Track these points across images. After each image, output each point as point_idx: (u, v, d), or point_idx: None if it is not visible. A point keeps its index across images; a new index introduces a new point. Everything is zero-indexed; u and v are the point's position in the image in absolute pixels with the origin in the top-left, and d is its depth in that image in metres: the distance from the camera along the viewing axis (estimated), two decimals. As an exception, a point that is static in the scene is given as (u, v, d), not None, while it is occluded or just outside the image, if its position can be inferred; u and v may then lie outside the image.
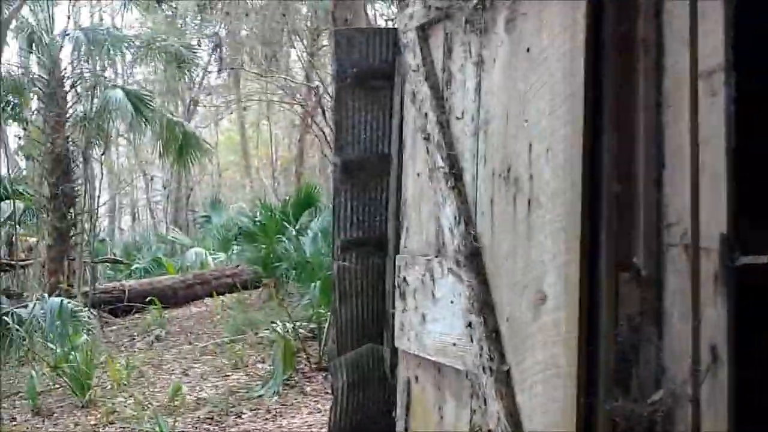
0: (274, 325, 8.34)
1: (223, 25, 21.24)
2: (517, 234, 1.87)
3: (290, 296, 12.27)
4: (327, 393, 6.37)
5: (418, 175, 2.32)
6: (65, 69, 11.26)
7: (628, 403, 1.74)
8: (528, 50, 1.88)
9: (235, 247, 12.29)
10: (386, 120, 3.85)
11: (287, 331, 6.96)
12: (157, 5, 12.29)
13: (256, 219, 11.31)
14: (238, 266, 13.97)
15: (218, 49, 13.50)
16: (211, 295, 13.23)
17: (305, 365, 7.02)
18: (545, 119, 1.80)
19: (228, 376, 7.23)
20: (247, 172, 25.23)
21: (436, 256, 2.20)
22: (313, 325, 8.02)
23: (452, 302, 2.08)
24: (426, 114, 2.26)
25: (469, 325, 1.98)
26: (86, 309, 9.86)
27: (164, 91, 17.75)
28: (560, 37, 1.75)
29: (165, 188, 18.92)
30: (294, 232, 11.10)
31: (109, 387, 6.91)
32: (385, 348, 4.34)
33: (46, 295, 7.28)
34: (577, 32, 1.70)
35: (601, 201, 1.70)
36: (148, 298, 11.13)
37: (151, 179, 26.01)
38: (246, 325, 9.44)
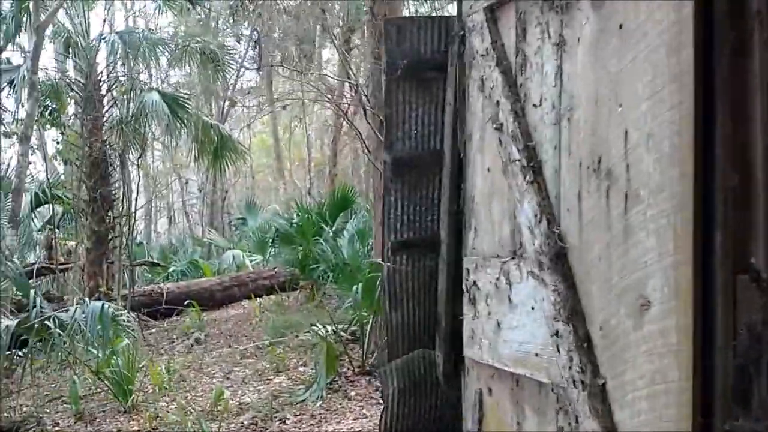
0: (314, 327, 8.21)
1: (256, 26, 21.31)
2: (611, 232, 1.68)
3: (328, 298, 12.17)
4: (372, 398, 6.21)
5: (488, 170, 2.13)
6: (102, 72, 11.25)
7: (749, 422, 1.53)
8: (621, 26, 1.68)
9: (272, 249, 12.20)
10: (438, 114, 3.66)
11: (329, 334, 6.78)
12: (191, 7, 12.20)
13: (293, 221, 11.20)
14: (274, 268, 13.90)
15: (257, 47, 13.39)
16: (248, 298, 13.18)
17: (348, 369, 6.86)
18: (644, 103, 1.60)
19: (270, 380, 7.10)
20: (281, 175, 25.22)
21: (512, 258, 2.01)
22: (354, 328, 7.86)
23: (533, 308, 1.89)
24: (498, 102, 2.08)
25: (556, 333, 1.79)
26: (126, 312, 9.88)
27: (198, 94, 17.76)
28: (662, 8, 1.55)
29: (200, 191, 18.94)
30: (331, 234, 10.97)
31: (151, 391, 6.83)
32: (437, 353, 4.16)
33: (87, 299, 7.22)
34: (684, 1, 1.50)
35: (714, 194, 1.50)
36: (187, 301, 11.05)
37: (186, 182, 26.15)
38: (285, 327, 9.32)
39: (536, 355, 1.87)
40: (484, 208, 2.16)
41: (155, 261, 15.80)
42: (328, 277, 11.81)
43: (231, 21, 20.56)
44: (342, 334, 7.71)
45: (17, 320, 5.78)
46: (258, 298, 12.64)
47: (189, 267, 15.80)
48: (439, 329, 4.04)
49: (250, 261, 15.14)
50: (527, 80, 2.01)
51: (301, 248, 11.19)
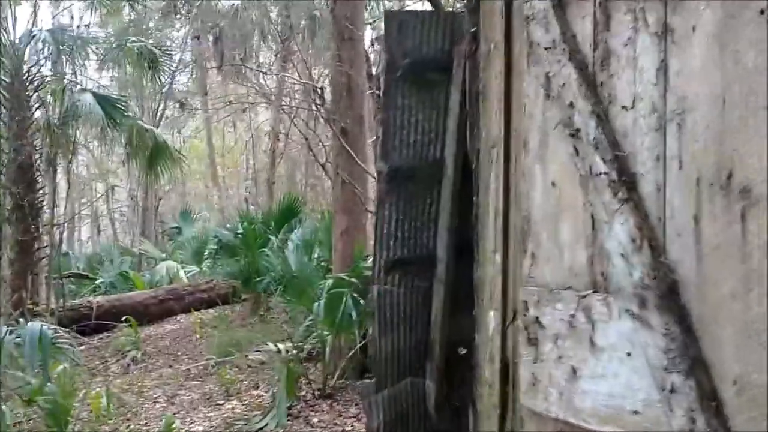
0: (265, 346, 7.72)
1: (190, 28, 20.56)
2: (749, 264, 1.35)
3: (272, 312, 11.65)
4: (336, 424, 5.79)
5: (553, 184, 1.79)
6: (29, 71, 10.45)
7: None
8: (762, 12, 1.36)
9: (210, 260, 11.59)
10: (440, 120, 3.31)
11: (287, 354, 6.32)
12: (126, 4, 11.52)
13: (237, 231, 10.64)
14: (212, 280, 13.28)
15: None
16: (185, 312, 12.52)
17: (307, 392, 6.41)
18: (801, 105, 1.29)
19: (220, 405, 6.57)
20: (215, 181, 24.42)
21: (594, 291, 1.67)
22: (308, 346, 7.42)
23: (629, 354, 1.55)
24: (571, 104, 1.74)
25: (669, 388, 1.45)
26: (62, 331, 9.14)
27: (131, 96, 16.92)
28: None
29: (132, 198, 18.05)
30: (278, 244, 10.48)
31: (88, 419, 6.21)
32: (428, 383, 3.80)
33: (14, 316, 6.52)
34: None
35: None
36: (124, 317, 10.35)
37: (112, 189, 25.02)
38: (231, 345, 8.76)
39: (635, 412, 1.53)
40: (547, 229, 1.82)
41: (83, 273, 14.91)
42: (275, 290, 11.30)
43: (164, 22, 19.83)
44: (294, 351, 7.27)
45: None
46: (195, 312, 12.01)
47: (118, 279, 14.96)
48: (432, 357, 3.68)
49: (186, 273, 14.42)
50: (612, 78, 1.67)
51: (246, 259, 10.64)
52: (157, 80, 12.12)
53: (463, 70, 3.09)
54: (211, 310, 12.68)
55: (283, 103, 17.80)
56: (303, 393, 6.39)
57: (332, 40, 6.73)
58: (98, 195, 22.83)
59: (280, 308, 11.71)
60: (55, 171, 9.30)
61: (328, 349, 6.37)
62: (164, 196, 19.66)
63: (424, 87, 3.31)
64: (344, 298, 6.01)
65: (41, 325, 5.02)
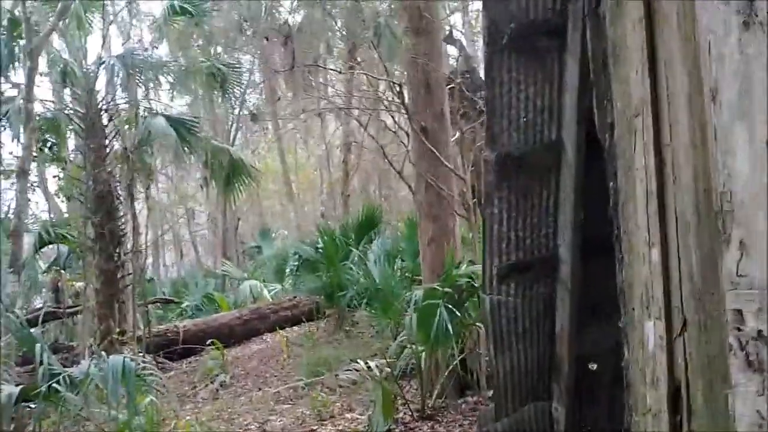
0: (355, 365, 7.33)
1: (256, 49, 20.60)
2: None
3: (357, 327, 11.29)
4: (439, 449, 5.32)
5: None
6: (102, 100, 10.45)
7: None
8: None
9: (294, 277, 11.32)
10: (554, 95, 2.81)
11: (381, 373, 5.89)
12: (195, 26, 11.44)
13: (318, 246, 10.33)
14: (295, 297, 13.04)
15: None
16: (270, 331, 12.31)
17: (405, 413, 5.96)
18: None
19: (314, 430, 6.20)
20: (290, 199, 24.37)
21: None
22: (400, 362, 6.99)
23: None
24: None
25: None
26: (146, 359, 9.02)
27: (203, 118, 16.97)
28: None
29: (212, 220, 18.09)
30: (360, 257, 10.10)
31: (179, 452, 5.96)
32: (555, 406, 3.28)
33: (99, 348, 6.35)
34: None
35: None
36: (209, 341, 10.18)
37: (192, 213, 25.33)
38: (320, 364, 8.42)
39: None
40: (763, 211, 1.31)
41: (168, 297, 14.94)
42: (359, 303, 10.94)
43: (230, 45, 19.90)
44: (387, 369, 6.84)
45: (21, 386, 4.90)
46: (281, 331, 11.77)
47: (203, 301, 14.93)
48: (559, 376, 3.15)
49: (269, 291, 14.25)
50: None
51: (329, 274, 10.31)
52: (229, 97, 11.99)
53: (581, 32, 2.58)
54: (295, 328, 12.43)
55: (359, 106, 17.55)
56: (401, 415, 5.94)
57: (406, 35, 6.30)
58: (179, 220, 23.10)
59: (365, 322, 11.35)
60: (133, 198, 9.19)
61: (423, 365, 5.90)
62: (242, 216, 19.65)
63: (533, 57, 2.81)
64: (438, 310, 5.53)
65: (124, 358, 4.74)
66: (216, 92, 11.68)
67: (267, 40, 14.42)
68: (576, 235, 2.88)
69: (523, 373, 3.20)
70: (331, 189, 21.45)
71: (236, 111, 17.24)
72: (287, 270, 14.49)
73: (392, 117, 8.10)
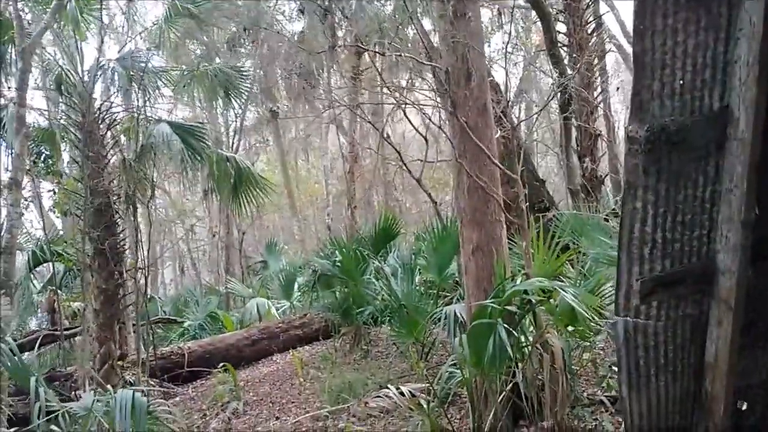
0: (386, 390, 6.60)
1: (257, 57, 20.00)
2: None
3: (376, 346, 10.55)
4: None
5: None
6: (101, 107, 9.75)
7: None
8: None
9: (309, 293, 10.59)
10: (720, 47, 2.12)
11: (427, 403, 5.15)
12: (197, 29, 10.77)
13: (336, 259, 9.61)
14: (305, 315, 12.31)
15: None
16: (280, 351, 11.58)
17: (454, 448, 5.23)
18: None
19: (349, 468, 5.47)
20: (293, 212, 23.67)
21: None
22: (436, 387, 6.27)
23: None
24: None
25: None
26: (155, 383, 8.31)
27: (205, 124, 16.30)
28: None
29: (214, 235, 17.37)
30: (380, 271, 9.40)
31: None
32: (699, 454, 2.53)
33: (109, 385, 5.63)
34: None
35: None
36: (221, 363, 9.45)
37: (191, 228, 24.58)
38: (342, 389, 7.68)
39: None
40: None
41: (170, 317, 14.20)
42: (379, 321, 10.23)
43: (230, 53, 19.27)
44: (424, 396, 6.11)
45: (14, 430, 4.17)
46: (292, 351, 11.04)
47: (207, 321, 14.19)
48: (708, 417, 2.44)
49: (277, 309, 13.51)
50: None
51: (346, 289, 9.60)
52: (233, 104, 11.31)
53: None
54: (307, 348, 11.70)
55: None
56: (448, 449, 5.22)
57: (441, 20, 5.62)
58: (179, 235, 22.35)
59: (384, 341, 10.63)
60: (135, 210, 8.48)
61: (474, 392, 5.17)
62: (246, 230, 18.93)
63: (694, 1, 2.11)
64: (494, 331, 4.82)
65: (134, 392, 4.02)
66: (220, 98, 10.98)
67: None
68: (745, 236, 2.16)
69: (663, 414, 2.48)
70: (337, 200, 20.79)
71: (238, 119, 16.52)
72: (296, 286, 13.78)
73: (424, 114, 7.38)
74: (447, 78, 5.14)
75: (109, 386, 5.02)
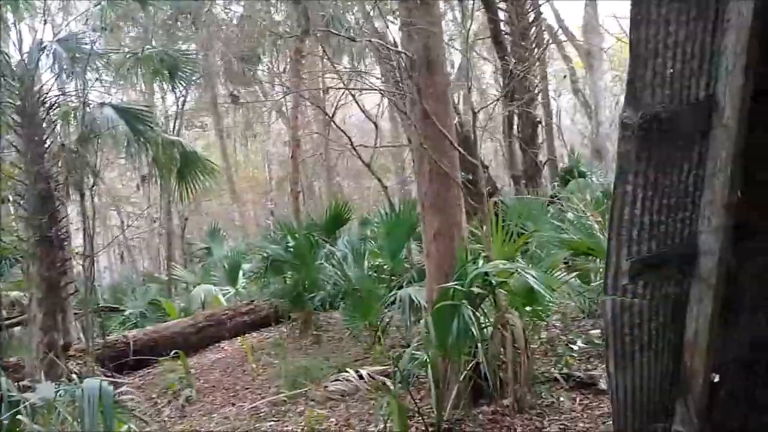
0: (345, 374, 6.65)
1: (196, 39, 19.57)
2: None
3: (326, 331, 10.60)
4: (467, 469, 4.72)
5: None
6: (41, 90, 9.43)
7: None
8: None
9: (261, 279, 10.52)
10: (707, 37, 2.24)
11: (394, 385, 5.23)
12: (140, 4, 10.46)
13: (288, 244, 9.59)
14: (252, 301, 12.27)
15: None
16: (227, 338, 11.50)
17: (418, 428, 5.33)
18: None
19: (316, 452, 5.52)
20: (234, 199, 23.37)
21: None
22: (386, 368, 6.37)
23: None
24: None
25: None
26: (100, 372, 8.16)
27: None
28: None
29: (154, 221, 17.01)
30: (333, 256, 9.43)
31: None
32: (677, 430, 2.72)
33: (75, 375, 5.49)
34: None
35: None
36: (173, 351, 9.34)
37: (130, 215, 24.02)
38: (298, 374, 7.71)
39: None
40: None
41: (113, 305, 13.89)
42: (330, 306, 10.26)
43: (167, 37, 18.82)
44: (383, 378, 6.20)
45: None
46: (240, 338, 10.98)
47: (149, 309, 13.94)
48: (690, 393, 2.59)
49: (222, 296, 13.37)
50: None
51: (299, 275, 9.61)
52: (178, 88, 11.08)
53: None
54: (255, 334, 11.67)
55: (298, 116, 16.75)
56: (413, 429, 5.31)
57: (401, 6, 5.67)
58: (115, 222, 21.81)
59: (334, 326, 10.68)
60: (83, 197, 8.24)
61: (438, 374, 5.28)
62: (189, 216, 18.60)
63: (686, -8, 2.22)
64: (458, 312, 4.94)
65: (100, 382, 3.96)
66: (165, 82, 10.75)
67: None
68: (727, 218, 2.31)
69: (646, 392, 2.63)
70: (278, 187, 20.65)
71: (180, 103, 16.20)
72: (241, 272, 13.66)
73: (390, 99, 7.40)
74: (412, 64, 5.20)
75: (74, 375, 4.90)
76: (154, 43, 18.37)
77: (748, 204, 2.35)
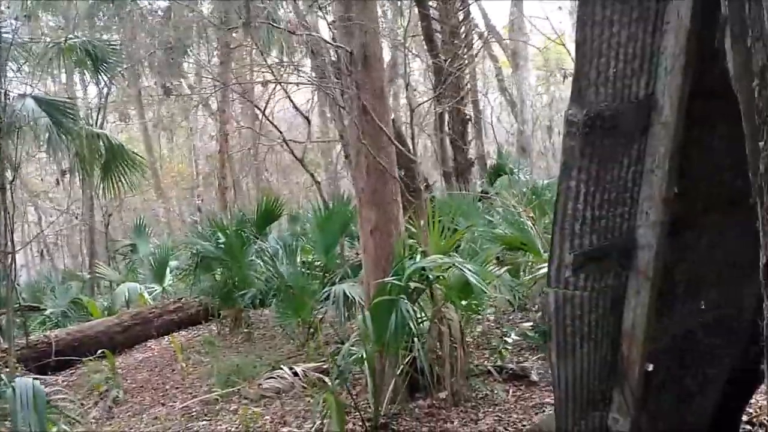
0: (279, 371, 6.60)
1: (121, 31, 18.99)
2: None
3: (256, 329, 10.47)
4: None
5: None
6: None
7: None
8: None
9: (192, 276, 10.29)
10: (648, 38, 2.33)
11: (331, 382, 5.22)
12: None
13: (219, 240, 9.43)
14: (180, 299, 12.02)
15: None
16: (155, 337, 11.23)
17: (355, 424, 5.34)
18: None
19: (253, 451, 5.45)
20: (159, 194, 22.80)
21: None
22: (322, 365, 6.38)
23: None
24: None
25: None
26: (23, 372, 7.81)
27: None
28: None
29: (76, 217, 16.42)
30: (265, 252, 9.33)
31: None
32: (614, 417, 2.83)
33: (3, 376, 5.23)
34: None
35: None
36: (90, 351, 9.05)
37: (47, 212, 23.10)
38: (230, 372, 7.60)
39: None
40: None
41: (34, 304, 13.34)
42: (261, 303, 10.16)
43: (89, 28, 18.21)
44: (318, 375, 6.19)
45: None
46: (168, 337, 10.74)
47: (71, 307, 13.45)
48: (626, 381, 2.70)
49: (149, 294, 13.03)
50: None
51: (230, 272, 9.46)
52: (102, 81, 10.71)
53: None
54: (184, 332, 11.44)
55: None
56: (349, 425, 5.32)
57: (337, 1, 5.66)
58: (39, 218, 20.95)
59: (266, 323, 10.56)
60: (4, 192, 7.86)
61: (375, 369, 5.30)
62: (112, 212, 18.00)
63: (630, -7, 2.30)
64: (396, 307, 4.97)
65: (33, 380, 3.81)
66: (89, 73, 10.38)
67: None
68: (665, 213, 2.41)
69: (586, 381, 2.71)
70: (206, 181, 20.24)
71: (103, 95, 15.67)
72: (168, 269, 13.35)
73: (328, 93, 7.34)
74: (351, 60, 5.19)
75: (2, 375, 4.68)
76: (76, 33, 17.80)
77: (684, 199, 2.44)
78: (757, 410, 4.13)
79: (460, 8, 15.05)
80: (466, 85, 15.42)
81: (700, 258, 2.60)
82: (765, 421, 4.24)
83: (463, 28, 15.13)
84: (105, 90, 14.69)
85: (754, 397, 3.78)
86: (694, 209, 2.50)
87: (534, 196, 9.26)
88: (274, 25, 8.08)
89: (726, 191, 2.50)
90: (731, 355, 2.93)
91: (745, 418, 3.88)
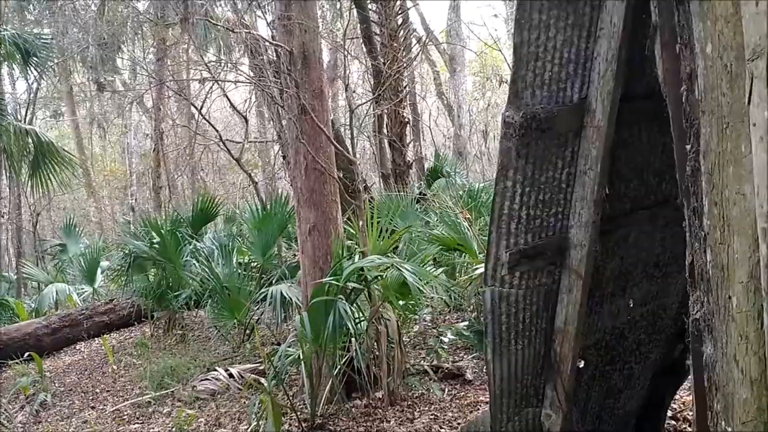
0: (214, 373, 6.52)
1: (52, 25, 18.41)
2: None
3: (190, 330, 10.29)
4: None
5: None
6: None
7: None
8: None
9: (125, 276, 10.02)
10: (582, 44, 2.41)
11: (268, 384, 5.17)
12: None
13: (154, 241, 9.23)
14: (111, 301, 11.72)
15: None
16: (84, 339, 10.91)
17: (291, 424, 5.31)
18: None
19: (185, 453, 5.35)
20: (90, 193, 22.14)
21: None
22: (259, 367, 6.32)
23: None
24: None
25: None
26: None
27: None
28: None
29: (2, 216, 15.79)
30: (200, 253, 9.18)
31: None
32: (547, 413, 2.92)
33: None
34: None
35: None
36: (26, 353, 8.76)
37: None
38: (164, 375, 7.45)
39: None
40: None
41: (-44, 306, 12.77)
42: (195, 304, 9.98)
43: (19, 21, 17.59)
44: (253, 376, 6.14)
45: None
46: (99, 339, 10.46)
47: (-6, 309, 12.95)
48: (558, 377, 2.78)
49: (79, 295, 12.66)
50: None
51: (163, 272, 9.27)
52: (32, 75, 10.36)
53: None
54: (115, 335, 11.16)
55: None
56: (286, 426, 5.29)
57: (277, 0, 5.63)
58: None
59: (199, 325, 10.40)
60: None
61: (312, 369, 5.28)
62: (41, 211, 17.39)
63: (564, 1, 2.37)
64: (334, 307, 4.97)
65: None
66: (18, 67, 10.03)
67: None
68: (596, 213, 2.49)
69: (520, 377, 2.77)
70: (140, 180, 19.77)
71: (32, 90, 15.14)
72: (99, 270, 12.98)
73: (266, 91, 7.25)
74: (291, 59, 5.17)
75: None
76: (6, 26, 17.15)
77: (613, 199, 2.52)
78: (681, 405, 4.29)
79: (399, 12, 15.16)
80: (405, 88, 15.52)
81: (628, 257, 2.69)
82: (689, 417, 4.40)
83: (401, 31, 15.24)
84: (35, 85, 14.16)
85: (678, 392, 3.94)
86: (623, 209, 2.58)
87: (470, 199, 9.38)
88: (212, 22, 7.95)
89: (653, 192, 2.60)
90: (657, 351, 3.04)
91: (669, 413, 4.03)
